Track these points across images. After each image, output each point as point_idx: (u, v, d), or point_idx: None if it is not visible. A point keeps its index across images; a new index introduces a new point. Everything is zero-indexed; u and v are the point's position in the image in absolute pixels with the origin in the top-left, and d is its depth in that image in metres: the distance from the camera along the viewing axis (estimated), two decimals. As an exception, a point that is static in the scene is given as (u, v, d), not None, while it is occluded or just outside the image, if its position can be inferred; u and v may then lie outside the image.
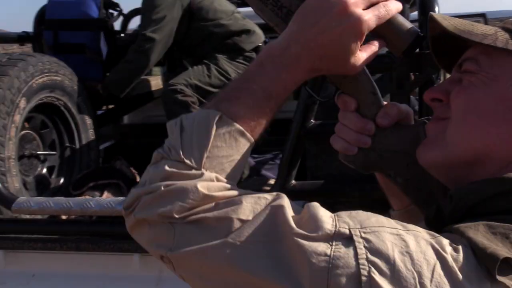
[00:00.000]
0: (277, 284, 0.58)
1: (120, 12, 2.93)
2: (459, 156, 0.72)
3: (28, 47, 3.06)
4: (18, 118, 2.19)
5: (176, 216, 0.64)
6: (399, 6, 0.76)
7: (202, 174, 0.66)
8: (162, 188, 0.65)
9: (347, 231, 0.58)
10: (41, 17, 2.87)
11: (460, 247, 0.58)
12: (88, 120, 2.68)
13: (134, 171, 2.75)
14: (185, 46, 2.87)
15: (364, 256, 0.56)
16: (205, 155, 0.67)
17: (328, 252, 0.57)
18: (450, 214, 0.68)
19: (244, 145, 0.71)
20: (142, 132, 3.56)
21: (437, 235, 0.60)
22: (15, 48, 3.22)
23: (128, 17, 3.58)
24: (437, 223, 0.69)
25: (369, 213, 0.62)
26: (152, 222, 0.66)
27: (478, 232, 0.60)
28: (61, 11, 2.77)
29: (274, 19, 0.81)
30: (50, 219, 1.87)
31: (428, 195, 0.83)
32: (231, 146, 0.69)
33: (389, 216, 0.94)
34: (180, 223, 0.64)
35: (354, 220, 0.60)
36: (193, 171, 0.66)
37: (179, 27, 2.74)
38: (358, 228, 0.59)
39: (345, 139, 0.82)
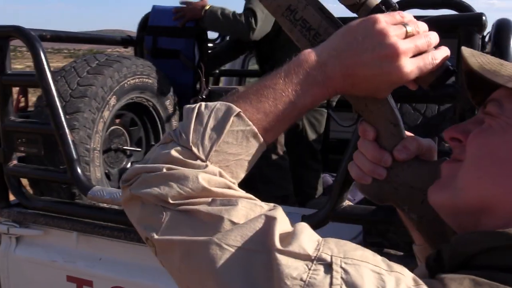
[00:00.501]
0: None
1: None
2: (466, 203, 0.68)
3: (130, 51, 3.30)
4: (107, 114, 2.38)
5: (171, 201, 0.64)
6: (447, 53, 0.75)
7: (206, 166, 0.66)
8: (164, 170, 0.65)
9: (328, 258, 0.57)
10: (144, 23, 3.09)
11: None
12: (174, 122, 2.84)
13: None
14: (266, 48, 2.97)
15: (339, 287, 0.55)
16: (214, 148, 0.67)
17: (304, 277, 0.56)
18: (448, 261, 0.65)
19: (254, 147, 0.70)
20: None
21: (421, 282, 0.58)
22: (121, 50, 3.48)
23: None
24: (436, 267, 0.67)
25: (358, 246, 0.61)
26: (146, 202, 0.66)
27: (462, 286, 0.57)
28: (162, 18, 2.98)
29: (302, 41, 0.81)
30: (118, 210, 2.01)
31: (441, 236, 0.80)
32: (241, 145, 0.69)
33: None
34: (173, 210, 0.64)
35: (339, 249, 0.59)
36: (198, 162, 0.66)
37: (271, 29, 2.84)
38: (340, 257, 0.57)
39: (361, 167, 0.81)
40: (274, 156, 2.76)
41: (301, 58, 0.72)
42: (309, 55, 0.72)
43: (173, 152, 0.66)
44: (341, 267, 0.56)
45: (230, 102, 0.70)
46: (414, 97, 1.57)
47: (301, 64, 0.71)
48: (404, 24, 0.73)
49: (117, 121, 2.66)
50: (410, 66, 0.71)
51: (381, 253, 1.63)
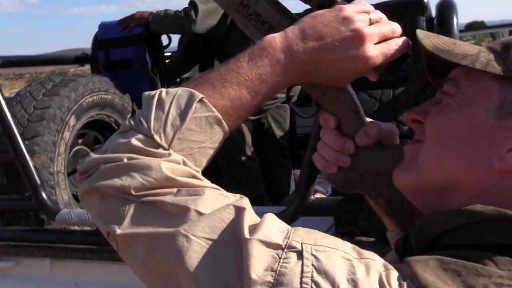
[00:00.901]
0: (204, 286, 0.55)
1: None
2: (428, 183, 0.69)
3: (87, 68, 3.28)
4: (68, 135, 2.35)
5: (134, 193, 0.61)
6: (409, 45, 0.75)
7: (169, 155, 0.63)
8: (125, 160, 0.62)
9: (299, 245, 0.56)
10: (96, 39, 3.07)
11: (405, 283, 0.56)
12: (139, 135, 2.81)
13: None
14: (220, 47, 2.99)
15: (310, 275, 0.54)
16: (177, 136, 0.64)
17: (275, 266, 0.55)
18: (415, 244, 0.65)
19: (218, 134, 0.68)
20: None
21: (391, 267, 0.58)
22: (84, 68, 3.46)
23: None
24: (404, 251, 0.67)
25: (327, 235, 0.60)
26: (106, 194, 0.62)
27: (427, 267, 0.57)
28: (110, 31, 2.99)
29: (257, 35, 0.81)
30: (89, 231, 1.99)
31: (410, 219, 0.79)
32: (205, 132, 0.67)
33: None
34: (136, 202, 0.61)
35: (309, 236, 0.58)
36: (161, 150, 0.63)
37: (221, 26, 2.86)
38: (310, 245, 0.57)
39: (325, 157, 0.80)
40: (242, 158, 2.76)
41: (265, 42, 0.71)
42: (273, 38, 0.71)
43: (134, 141, 0.63)
44: (312, 254, 0.56)
45: (192, 87, 0.68)
46: (368, 83, 1.59)
47: (265, 47, 0.70)
48: (367, 12, 0.73)
49: (80, 141, 2.63)
50: (374, 51, 0.71)
51: (353, 241, 1.65)
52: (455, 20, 1.47)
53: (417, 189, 0.71)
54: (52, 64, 3.14)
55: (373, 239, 1.63)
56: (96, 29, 3.07)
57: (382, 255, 0.61)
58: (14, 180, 2.13)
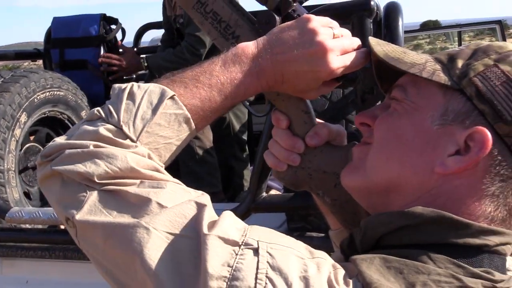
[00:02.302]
0: (159, 281, 0.56)
1: (120, 27, 3.03)
2: (375, 183, 0.72)
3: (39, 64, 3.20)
4: (19, 132, 2.30)
5: (97, 180, 0.61)
6: (368, 58, 0.78)
7: (136, 147, 0.64)
8: (91, 147, 0.63)
9: (255, 243, 0.58)
10: (49, 35, 3.01)
11: (351, 281, 0.59)
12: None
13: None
14: None
15: (264, 272, 0.56)
16: (146, 129, 0.66)
17: (231, 262, 0.57)
18: (360, 244, 0.68)
19: (185, 132, 0.70)
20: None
21: (339, 266, 0.60)
22: (39, 63, 3.37)
23: (141, 32, 3.72)
24: (349, 251, 0.70)
25: (283, 234, 0.63)
26: (67, 180, 0.63)
27: (372, 266, 0.60)
28: (65, 30, 2.92)
29: (213, 33, 0.83)
30: (40, 229, 1.96)
31: (354, 217, 0.83)
32: (173, 128, 0.68)
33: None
34: (98, 189, 0.61)
35: (265, 235, 0.61)
36: (128, 141, 0.64)
37: None
38: (266, 243, 0.59)
39: (276, 155, 0.84)
40: (201, 152, 2.76)
41: (239, 49, 0.73)
42: (247, 47, 0.74)
43: (102, 130, 0.64)
44: (267, 252, 0.58)
45: (165, 84, 0.69)
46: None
47: (238, 54, 0.73)
48: (331, 27, 0.77)
49: (32, 138, 2.58)
50: (337, 63, 0.75)
51: (304, 237, 1.69)
52: (400, 23, 1.53)
53: (363, 189, 0.74)
54: (2, 60, 3.06)
55: (322, 235, 1.67)
56: (49, 24, 3.01)
57: (331, 249, 0.64)
58: (-38, 178, 2.08)
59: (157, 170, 0.65)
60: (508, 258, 0.68)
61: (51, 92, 2.49)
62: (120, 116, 0.65)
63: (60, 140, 0.65)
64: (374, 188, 0.72)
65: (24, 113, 2.33)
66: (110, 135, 0.64)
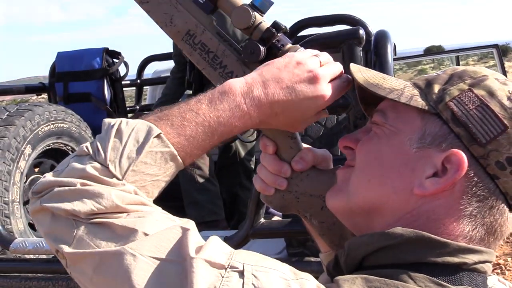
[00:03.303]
0: None
1: (122, 60, 3.10)
2: (357, 205, 0.74)
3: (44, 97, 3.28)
4: (23, 164, 2.35)
5: (83, 217, 0.63)
6: (351, 81, 0.81)
7: (123, 185, 0.66)
8: (78, 186, 0.64)
9: (240, 266, 0.60)
10: (53, 70, 3.09)
11: None
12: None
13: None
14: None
15: None
16: (131, 168, 0.67)
17: (218, 284, 0.58)
18: (344, 265, 0.70)
19: (172, 169, 0.71)
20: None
21: (323, 287, 0.61)
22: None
23: (144, 64, 3.80)
24: (335, 272, 0.72)
25: (268, 257, 0.64)
26: (57, 214, 0.65)
27: (354, 286, 0.62)
28: (68, 64, 3.01)
29: (201, 63, 0.86)
30: (44, 259, 1.98)
31: (341, 239, 0.85)
32: (160, 166, 0.69)
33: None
34: (85, 223, 0.63)
35: (250, 258, 0.62)
36: (114, 180, 0.66)
37: None
38: (251, 265, 0.60)
39: (264, 179, 0.86)
40: (202, 180, 2.78)
41: (226, 87, 0.74)
42: (234, 83, 0.74)
43: (89, 168, 0.65)
44: (252, 274, 0.59)
45: (152, 121, 0.70)
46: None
47: (225, 92, 0.73)
48: (316, 56, 0.80)
49: (37, 169, 2.63)
50: (329, 89, 0.77)
51: (303, 262, 1.70)
52: (389, 50, 1.58)
53: (346, 211, 0.76)
54: (8, 94, 3.13)
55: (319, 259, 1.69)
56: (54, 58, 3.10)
57: (316, 277, 0.66)
58: (-32, 210, 2.12)
59: (143, 204, 0.67)
60: (492, 276, 0.71)
61: (55, 125, 2.55)
62: (107, 155, 0.66)
63: (50, 177, 0.67)
64: (357, 209, 0.74)
65: (29, 145, 2.38)
66: (96, 173, 0.65)
